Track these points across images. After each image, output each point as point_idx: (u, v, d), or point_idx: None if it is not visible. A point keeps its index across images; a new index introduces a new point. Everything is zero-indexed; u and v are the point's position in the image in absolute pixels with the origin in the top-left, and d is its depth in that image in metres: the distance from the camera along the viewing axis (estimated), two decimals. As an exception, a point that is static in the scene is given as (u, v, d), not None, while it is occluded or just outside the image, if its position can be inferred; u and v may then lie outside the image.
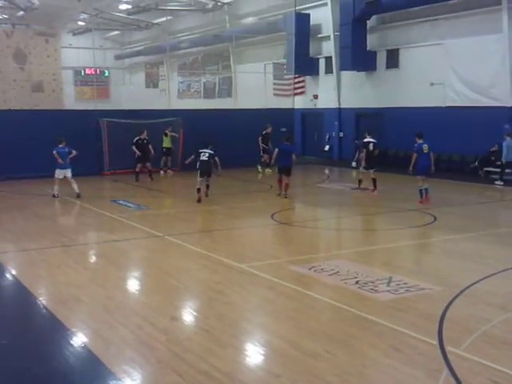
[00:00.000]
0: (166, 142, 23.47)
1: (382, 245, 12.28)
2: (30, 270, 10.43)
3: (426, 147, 16.47)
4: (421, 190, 16.52)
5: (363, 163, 19.00)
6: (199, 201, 16.69)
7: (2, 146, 20.61)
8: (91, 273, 10.36)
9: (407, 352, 6.55)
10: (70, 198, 17.70)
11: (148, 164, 21.92)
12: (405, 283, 9.05)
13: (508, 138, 20.42)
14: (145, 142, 21.67)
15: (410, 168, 16.54)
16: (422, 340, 6.81)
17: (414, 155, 16.45)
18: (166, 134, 23.39)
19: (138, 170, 21.65)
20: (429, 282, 9.14)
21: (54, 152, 17.42)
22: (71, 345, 6.91)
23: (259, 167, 24.02)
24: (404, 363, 6.30)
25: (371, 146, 18.81)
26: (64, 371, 6.29)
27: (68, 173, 17.64)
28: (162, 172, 23.12)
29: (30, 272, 10.24)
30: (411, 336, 6.94)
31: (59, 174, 17.59)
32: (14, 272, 10.20)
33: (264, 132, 23.75)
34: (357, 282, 9.06)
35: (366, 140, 19.15)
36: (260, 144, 23.71)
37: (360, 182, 19.19)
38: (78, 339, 7.07)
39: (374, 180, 18.42)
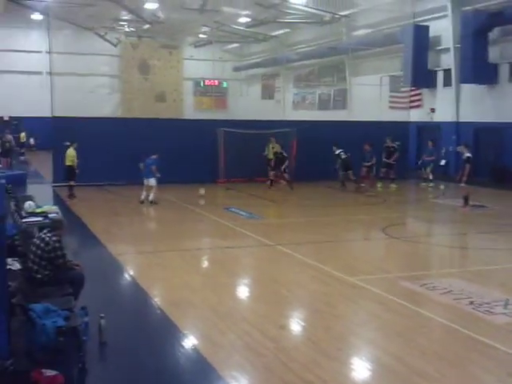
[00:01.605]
0: (271, 154, 23.49)
1: (499, 265, 11.73)
2: (147, 271, 10.90)
3: None
4: None
5: (464, 178, 17.85)
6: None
7: (126, 153, 21.64)
8: (204, 277, 10.68)
9: (524, 379, 6.25)
10: (186, 205, 18.32)
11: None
12: (523, 307, 8.62)
13: None
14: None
15: None
16: (540, 367, 6.47)
17: None
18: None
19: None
20: (550, 307, 8.64)
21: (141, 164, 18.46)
22: (183, 346, 7.16)
23: (393, 185, 23.20)
24: (520, 390, 6.01)
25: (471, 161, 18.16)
26: (175, 371, 6.54)
27: (149, 182, 18.32)
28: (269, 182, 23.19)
29: (146, 273, 10.71)
30: (529, 362, 6.61)
31: (145, 181, 18.50)
32: (132, 273, 10.71)
33: (385, 145, 23.42)
34: (471, 303, 8.73)
35: (468, 155, 18.09)
36: (383, 159, 23.32)
37: (466, 198, 18.05)
38: (190, 341, 7.31)
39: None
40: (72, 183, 19.44)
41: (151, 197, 18.28)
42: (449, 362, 6.68)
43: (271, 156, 23.30)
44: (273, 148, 23.22)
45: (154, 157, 18.40)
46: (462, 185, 18.02)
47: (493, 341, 7.25)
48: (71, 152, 19.21)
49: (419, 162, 24.97)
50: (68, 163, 19.24)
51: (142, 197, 18.35)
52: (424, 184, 23.71)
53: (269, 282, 10.15)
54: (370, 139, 23.22)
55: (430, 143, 24.65)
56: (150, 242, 13.47)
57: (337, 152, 22.72)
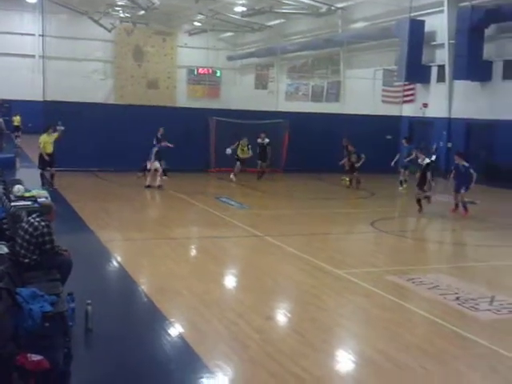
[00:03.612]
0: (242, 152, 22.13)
1: (486, 262, 11.82)
2: (135, 258, 10.90)
3: None
4: None
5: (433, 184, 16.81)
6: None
7: (117, 139, 21.59)
8: (191, 266, 10.69)
9: (507, 376, 6.30)
10: (176, 193, 18.28)
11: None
12: (509, 304, 8.68)
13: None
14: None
15: None
16: (523, 364, 6.53)
17: None
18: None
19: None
20: (535, 305, 8.72)
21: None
22: (169, 334, 7.16)
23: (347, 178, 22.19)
24: (502, 387, 6.07)
25: None
26: (160, 359, 6.53)
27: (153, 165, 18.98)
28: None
29: (134, 261, 10.70)
30: (512, 359, 6.67)
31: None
32: (119, 259, 10.69)
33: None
34: (457, 298, 8.79)
35: (427, 161, 16.65)
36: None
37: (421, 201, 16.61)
38: (176, 330, 7.31)
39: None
40: (40, 171, 18.00)
41: (158, 181, 18.68)
42: (433, 357, 6.72)
43: (243, 155, 22.03)
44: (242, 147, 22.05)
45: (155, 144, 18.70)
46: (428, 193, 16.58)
47: (478, 337, 7.31)
48: (42, 138, 17.88)
49: (392, 164, 22.14)
50: (40, 150, 17.89)
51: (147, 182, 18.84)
52: (401, 188, 21.42)
53: (256, 273, 10.16)
54: (363, 132, 23.26)
55: (404, 141, 22.65)
56: (138, 229, 13.44)
57: (266, 140, 22.29)
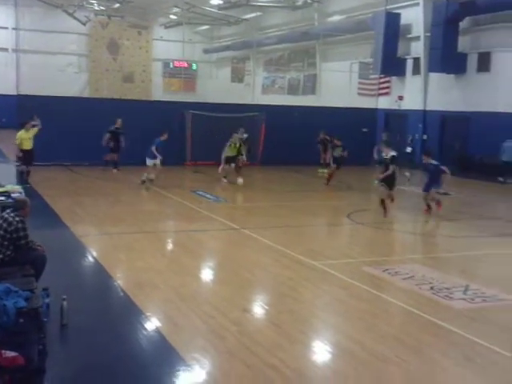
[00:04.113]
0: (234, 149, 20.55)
1: (460, 252, 11.96)
2: (111, 253, 10.83)
3: None
4: None
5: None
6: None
7: (92, 134, 21.37)
8: (168, 260, 10.66)
9: (480, 363, 6.39)
10: (152, 187, 18.17)
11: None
12: (482, 293, 8.80)
13: None
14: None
15: None
16: (496, 351, 6.62)
17: None
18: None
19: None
20: (508, 293, 8.85)
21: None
22: (145, 328, 7.13)
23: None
24: (476, 374, 6.16)
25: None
26: (137, 353, 6.52)
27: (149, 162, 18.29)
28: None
29: (110, 255, 10.63)
30: (485, 347, 6.76)
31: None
32: (95, 254, 10.60)
33: (319, 139, 22.69)
34: (431, 288, 8.89)
35: (393, 154, 15.41)
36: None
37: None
38: (152, 323, 7.28)
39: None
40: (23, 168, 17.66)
41: (151, 176, 18.22)
42: (408, 346, 6.79)
43: (232, 152, 20.29)
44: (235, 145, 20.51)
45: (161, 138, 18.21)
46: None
47: (452, 325, 7.40)
48: (19, 134, 17.44)
49: (375, 155, 21.61)
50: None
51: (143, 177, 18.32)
52: (377, 182, 19.23)
53: (233, 266, 10.16)
54: (338, 125, 23.32)
55: (384, 135, 22.44)
56: (114, 223, 13.35)
57: (245, 136, 21.65)
